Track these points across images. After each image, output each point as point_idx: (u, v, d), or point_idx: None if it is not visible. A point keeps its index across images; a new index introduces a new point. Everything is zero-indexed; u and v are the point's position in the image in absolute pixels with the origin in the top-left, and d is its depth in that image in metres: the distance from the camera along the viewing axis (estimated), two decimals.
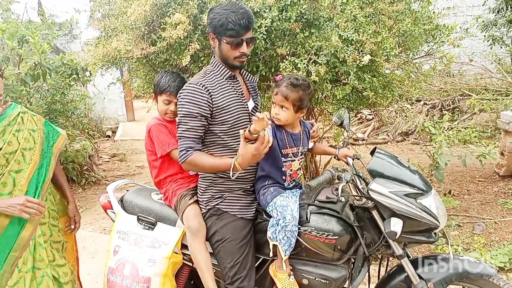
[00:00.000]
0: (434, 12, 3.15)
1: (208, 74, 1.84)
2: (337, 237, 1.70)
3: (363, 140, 7.47)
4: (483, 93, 7.73)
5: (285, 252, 1.68)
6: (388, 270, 1.87)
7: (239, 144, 1.68)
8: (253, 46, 2.49)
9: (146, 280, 1.83)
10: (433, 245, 3.07)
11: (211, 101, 1.76)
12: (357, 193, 1.69)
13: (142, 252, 1.88)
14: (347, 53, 2.53)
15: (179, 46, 2.67)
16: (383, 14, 2.86)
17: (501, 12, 8.46)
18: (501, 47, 9.12)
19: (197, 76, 1.84)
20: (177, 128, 1.79)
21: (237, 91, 1.86)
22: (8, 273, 1.63)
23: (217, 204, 1.84)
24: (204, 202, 1.87)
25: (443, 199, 3.98)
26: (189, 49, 2.56)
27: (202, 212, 1.87)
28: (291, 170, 1.85)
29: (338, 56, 2.57)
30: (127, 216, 2.01)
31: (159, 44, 2.61)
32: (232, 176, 1.64)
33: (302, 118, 1.94)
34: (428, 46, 3.54)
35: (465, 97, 7.98)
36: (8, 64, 4.45)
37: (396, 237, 1.56)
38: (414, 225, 1.61)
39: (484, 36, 9.20)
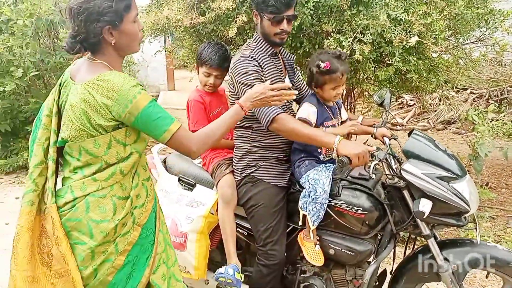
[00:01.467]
0: None
1: (254, 49, 1.91)
2: (366, 212, 1.76)
3: (402, 125, 7.33)
4: None
5: (313, 223, 1.77)
6: (414, 249, 1.92)
7: None
8: (296, 23, 2.52)
9: (184, 235, 1.99)
10: (462, 231, 3.08)
11: (262, 73, 1.85)
12: (390, 172, 1.73)
13: (181, 209, 2.03)
14: (394, 33, 2.51)
15: (227, 17, 2.74)
16: None
17: None
18: None
19: (245, 51, 1.91)
20: (243, 89, 1.81)
21: (277, 68, 1.93)
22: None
23: (252, 172, 1.94)
24: (240, 170, 1.98)
25: (479, 191, 3.91)
26: (236, 21, 2.62)
27: (237, 179, 1.98)
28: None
29: (385, 36, 2.55)
30: (169, 177, 2.16)
31: (207, 14, 2.70)
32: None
33: None
34: (480, 31, 3.41)
35: None
36: (64, 26, 4.68)
37: (424, 217, 1.61)
38: (444, 207, 1.64)
39: None
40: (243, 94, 1.67)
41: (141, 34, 1.48)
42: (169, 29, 3.42)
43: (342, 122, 2.03)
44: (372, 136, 1.98)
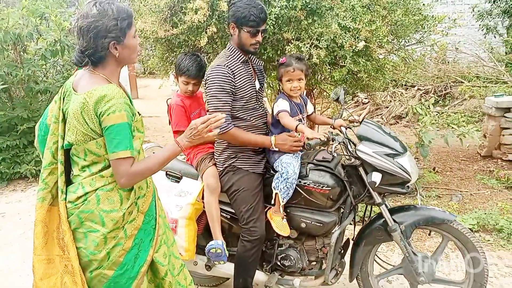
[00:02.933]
0: (423, 4, 3.51)
1: (228, 57, 2.19)
2: (330, 188, 2.12)
3: (358, 122, 7.87)
4: (474, 81, 8.10)
5: (283, 200, 2.11)
6: (370, 218, 2.30)
7: (251, 116, 2.16)
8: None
9: (175, 221, 2.25)
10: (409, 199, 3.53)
11: (233, 80, 2.13)
12: (348, 153, 2.10)
13: (171, 199, 2.29)
14: (344, 39, 2.91)
15: (197, 29, 3.02)
16: (378, 5, 3.22)
17: (496, 2, 8.76)
18: (494, 37, 9.46)
19: (220, 59, 2.19)
20: (209, 103, 2.13)
21: (248, 72, 2.24)
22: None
23: (232, 163, 2.25)
24: (221, 161, 2.28)
25: (427, 175, 4.43)
26: (206, 31, 2.92)
27: (220, 169, 2.28)
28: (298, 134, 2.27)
29: (337, 41, 2.94)
30: (157, 173, 2.41)
31: (180, 26, 2.97)
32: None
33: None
34: (420, 34, 3.91)
35: (458, 84, 8.35)
36: (31, 40, 4.77)
37: (375, 186, 1.98)
38: (391, 179, 2.02)
39: (479, 25, 9.54)
40: (208, 103, 2.07)
41: (140, 49, 1.70)
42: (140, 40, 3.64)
43: (309, 115, 2.39)
44: (331, 127, 2.35)
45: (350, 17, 2.95)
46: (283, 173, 2.10)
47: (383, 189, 2.07)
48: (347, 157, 2.14)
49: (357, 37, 2.95)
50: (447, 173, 4.78)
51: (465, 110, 7.45)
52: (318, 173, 2.15)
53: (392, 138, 2.10)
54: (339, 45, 2.98)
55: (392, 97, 8.63)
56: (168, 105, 2.54)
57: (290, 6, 2.85)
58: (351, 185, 2.16)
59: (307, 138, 2.00)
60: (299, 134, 2.15)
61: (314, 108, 4.45)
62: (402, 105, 8.08)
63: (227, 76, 2.11)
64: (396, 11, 3.22)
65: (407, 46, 4.12)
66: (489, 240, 3.18)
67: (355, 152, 2.05)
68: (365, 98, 9.03)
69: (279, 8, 2.79)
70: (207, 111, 2.22)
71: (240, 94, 2.17)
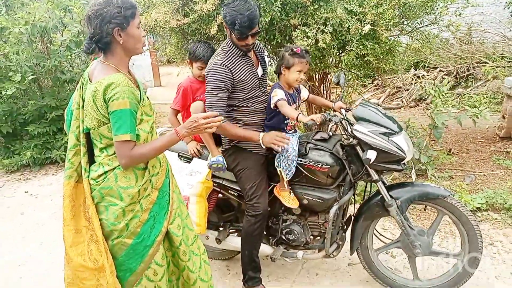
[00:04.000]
0: None
1: (227, 53, 2.27)
2: (329, 167, 2.24)
3: (378, 105, 7.84)
4: (498, 61, 7.88)
5: (286, 176, 2.26)
6: (369, 195, 2.42)
7: (252, 103, 2.29)
8: (267, 18, 2.95)
9: (186, 198, 2.44)
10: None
11: (232, 78, 2.24)
12: (345, 133, 2.21)
13: (182, 178, 2.47)
14: (350, 23, 2.98)
15: (208, 17, 3.17)
16: None
17: None
18: None
19: (219, 56, 2.28)
20: (207, 98, 2.27)
21: (249, 64, 2.34)
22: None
23: (237, 143, 2.40)
24: (227, 141, 2.43)
25: (442, 156, 4.45)
26: (216, 20, 3.05)
27: (225, 148, 2.44)
28: (293, 122, 2.39)
29: (343, 26, 3.02)
30: (169, 153, 2.60)
31: (191, 16, 3.12)
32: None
33: None
34: (434, 15, 3.89)
35: (481, 65, 8.15)
36: (56, 32, 5.03)
37: (370, 163, 2.10)
38: (386, 156, 2.13)
39: (506, 2, 9.19)
40: (206, 97, 2.20)
41: (144, 40, 1.83)
42: (156, 29, 3.82)
43: (307, 99, 2.51)
44: (331, 109, 2.46)
45: (356, 1, 3.01)
46: (284, 151, 2.24)
47: (380, 167, 2.18)
48: (346, 137, 2.25)
49: (363, 21, 3.01)
50: (463, 154, 4.77)
51: (487, 92, 7.29)
52: (318, 153, 2.28)
53: (388, 118, 2.20)
54: (346, 29, 3.05)
55: (413, 79, 8.52)
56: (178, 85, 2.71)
57: None
58: (350, 164, 2.28)
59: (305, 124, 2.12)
60: (292, 123, 2.27)
61: (330, 95, 4.55)
62: (422, 88, 7.97)
63: (223, 75, 2.22)
64: None
65: (420, 27, 4.10)
66: (496, 219, 3.22)
67: (352, 131, 2.16)
68: (385, 81, 8.95)
69: None
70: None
71: (240, 87, 2.29)
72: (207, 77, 2.27)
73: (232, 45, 2.29)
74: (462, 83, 8.20)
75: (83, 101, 1.80)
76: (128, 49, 1.78)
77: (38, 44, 5.23)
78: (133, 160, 1.73)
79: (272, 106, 2.30)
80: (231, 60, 2.27)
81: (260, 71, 2.41)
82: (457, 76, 8.28)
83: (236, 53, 2.29)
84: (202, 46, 2.57)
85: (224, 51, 2.30)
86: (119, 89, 1.66)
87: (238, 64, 2.29)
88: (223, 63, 2.24)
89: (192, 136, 2.51)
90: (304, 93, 2.51)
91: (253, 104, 2.36)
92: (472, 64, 8.24)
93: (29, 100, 5.29)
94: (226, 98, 2.27)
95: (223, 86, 2.23)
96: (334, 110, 2.44)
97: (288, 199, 2.29)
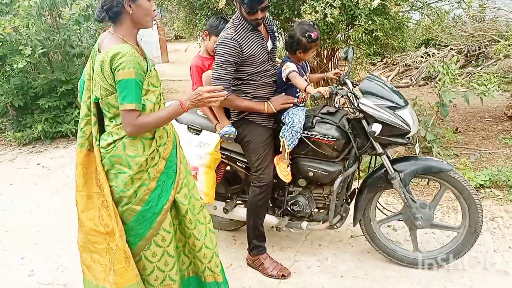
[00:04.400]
0: None
1: (237, 27, 2.29)
2: (335, 139, 2.29)
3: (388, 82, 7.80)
4: (511, 40, 7.73)
5: (288, 147, 2.32)
6: (373, 168, 2.47)
7: (261, 79, 2.34)
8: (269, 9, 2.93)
9: (195, 169, 2.51)
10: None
11: (241, 52, 2.27)
12: (351, 106, 2.25)
13: (191, 150, 2.54)
14: None
15: None
16: None
17: None
18: None
19: (229, 30, 2.30)
20: (215, 70, 2.31)
21: (259, 38, 2.37)
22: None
23: (246, 115, 2.45)
24: (236, 113, 2.48)
25: (448, 135, 4.46)
26: None
27: (234, 120, 2.49)
28: (304, 94, 2.43)
29: (352, 0, 3.00)
30: (179, 126, 2.66)
31: None
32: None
33: None
34: None
35: (493, 43, 8.00)
36: (65, 5, 5.04)
37: (375, 135, 2.14)
38: (391, 130, 2.17)
39: None
40: (213, 69, 2.24)
41: (154, 14, 1.84)
42: (164, 3, 3.82)
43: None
44: (338, 81, 2.49)
45: None
46: (289, 122, 2.29)
47: (384, 140, 2.22)
48: (352, 111, 2.29)
49: None
50: (470, 133, 4.78)
51: (498, 70, 7.20)
52: (324, 126, 2.33)
53: (394, 92, 2.23)
54: (355, 4, 3.03)
55: (423, 57, 8.42)
56: (190, 66, 2.74)
57: None
58: (355, 137, 2.33)
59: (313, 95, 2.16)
60: (303, 95, 2.32)
61: (329, 70, 4.54)
62: (432, 66, 7.89)
63: (232, 49, 2.25)
64: None
65: (431, 3, 4.05)
66: (499, 196, 3.27)
67: (358, 105, 2.20)
68: (395, 59, 8.86)
69: None
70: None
71: (249, 61, 2.32)
72: (216, 49, 2.30)
73: (242, 19, 2.30)
74: (473, 62, 8.09)
75: (94, 71, 1.84)
76: (137, 21, 1.80)
77: (47, 18, 5.25)
78: (138, 129, 1.77)
79: (284, 78, 2.35)
80: (241, 34, 2.30)
81: (270, 44, 2.43)
82: (468, 54, 8.17)
83: (246, 27, 2.31)
84: (223, 22, 2.58)
85: (235, 25, 2.32)
86: (125, 59, 1.69)
87: (248, 38, 2.31)
88: (233, 37, 2.27)
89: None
90: (307, 68, 2.55)
91: (262, 78, 2.40)
92: (484, 42, 8.10)
93: (39, 74, 5.36)
94: (234, 73, 2.31)
95: (231, 60, 2.26)
96: (340, 84, 2.46)
97: (284, 172, 2.35)
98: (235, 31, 2.30)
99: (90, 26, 5.74)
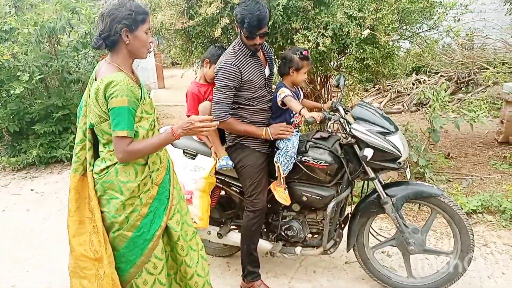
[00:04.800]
0: None
1: (237, 53, 2.36)
2: (328, 164, 2.33)
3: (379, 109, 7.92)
4: (499, 67, 7.95)
5: (284, 172, 2.36)
6: (366, 193, 2.50)
7: (258, 102, 2.39)
8: (270, 22, 3.03)
9: (190, 193, 2.53)
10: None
11: (240, 77, 2.34)
12: (343, 131, 2.30)
13: (187, 174, 2.56)
14: (350, 27, 3.07)
15: (212, 20, 3.26)
16: None
17: None
18: None
19: (229, 55, 2.37)
20: (215, 95, 2.37)
21: (257, 64, 2.44)
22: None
23: (240, 140, 2.49)
24: (231, 139, 2.52)
25: (440, 160, 4.52)
26: (220, 23, 3.15)
27: (229, 145, 2.53)
28: (298, 120, 2.49)
29: (343, 30, 3.10)
30: (175, 150, 2.69)
31: (196, 18, 3.22)
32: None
33: None
34: (433, 20, 3.97)
35: (482, 70, 8.22)
36: (64, 33, 5.14)
37: (367, 160, 2.18)
38: (382, 155, 2.21)
39: (507, 9, 9.28)
40: (213, 94, 2.29)
41: (150, 46, 1.90)
42: (161, 31, 3.92)
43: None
44: (330, 108, 2.55)
45: (356, 6, 3.10)
46: (283, 147, 2.34)
47: (376, 165, 2.26)
48: (344, 136, 2.34)
49: (363, 25, 3.10)
50: (461, 158, 4.85)
51: (488, 97, 7.36)
52: (317, 151, 2.37)
53: (385, 118, 2.29)
54: (346, 33, 3.14)
55: (414, 84, 8.60)
56: (186, 92, 2.79)
57: None
58: (348, 162, 2.37)
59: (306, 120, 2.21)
60: (297, 120, 2.38)
61: (329, 97, 4.64)
62: (422, 92, 8.05)
63: (232, 74, 2.32)
64: None
65: (419, 32, 4.19)
66: (491, 221, 3.29)
67: (350, 130, 2.25)
68: (387, 86, 9.04)
69: (287, 0, 2.97)
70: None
71: (247, 86, 2.39)
72: (216, 74, 2.37)
73: (243, 44, 2.38)
74: (463, 88, 8.28)
75: (89, 98, 1.88)
76: (132, 51, 1.86)
77: (46, 45, 5.34)
78: (129, 155, 1.80)
79: (279, 103, 2.41)
80: (241, 59, 2.37)
81: (267, 71, 2.51)
82: (458, 81, 8.36)
83: (245, 53, 2.38)
84: (217, 48, 2.67)
85: (235, 50, 2.38)
86: (119, 87, 1.74)
87: (247, 64, 2.38)
88: (233, 62, 2.33)
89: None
90: (301, 94, 2.61)
91: (259, 104, 2.45)
92: (473, 69, 8.32)
93: (36, 99, 5.40)
94: (232, 97, 2.37)
95: (231, 84, 2.33)
96: (332, 110, 2.52)
97: (282, 196, 2.38)
98: (235, 56, 2.37)
99: (87, 52, 5.83)
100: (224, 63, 2.35)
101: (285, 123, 2.46)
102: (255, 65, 2.42)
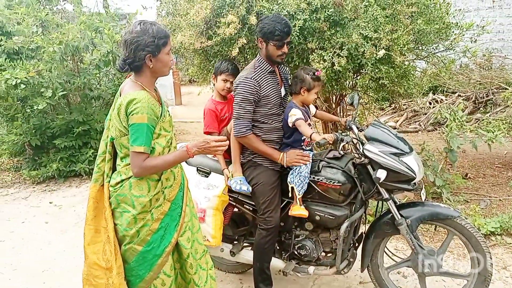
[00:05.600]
0: (447, 13, 3.60)
1: (256, 68, 2.44)
2: (341, 184, 2.33)
3: (395, 128, 7.87)
4: None
5: (299, 192, 2.36)
6: (380, 213, 2.48)
7: (272, 121, 2.43)
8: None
9: (203, 211, 2.56)
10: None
11: (259, 91, 2.40)
12: (356, 152, 2.31)
13: (200, 192, 2.60)
14: (365, 48, 3.10)
15: (230, 40, 3.34)
16: (401, 15, 3.38)
17: None
18: None
19: (249, 70, 2.45)
20: (235, 110, 2.42)
21: (275, 82, 2.51)
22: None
23: (254, 158, 2.52)
24: (245, 156, 2.55)
25: (458, 180, 4.45)
26: (237, 42, 3.23)
27: (243, 162, 2.55)
28: (308, 138, 2.51)
29: (359, 50, 3.14)
30: (189, 168, 2.73)
31: (214, 38, 3.31)
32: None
33: None
34: (449, 41, 3.98)
35: (501, 90, 8.11)
36: (87, 51, 5.33)
37: (380, 181, 2.17)
38: (397, 176, 2.20)
39: None
40: (233, 109, 2.35)
41: (172, 63, 1.99)
42: (180, 51, 4.03)
43: (315, 115, 2.68)
44: (343, 128, 2.56)
45: (372, 27, 3.14)
46: (296, 168, 2.34)
47: (390, 186, 2.25)
48: (357, 156, 2.35)
49: (378, 46, 3.13)
50: (480, 179, 4.76)
51: (507, 117, 7.23)
52: (330, 170, 2.37)
53: (399, 139, 2.28)
54: (361, 53, 3.17)
55: (431, 103, 8.54)
56: (203, 109, 2.86)
57: (314, 18, 3.10)
58: (361, 182, 2.36)
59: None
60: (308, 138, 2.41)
61: (346, 114, 4.65)
62: (440, 113, 7.96)
63: (252, 88, 2.38)
64: (418, 19, 3.36)
65: (436, 52, 4.19)
66: (510, 243, 3.21)
67: (363, 151, 2.26)
68: (404, 105, 8.98)
69: (303, 21, 3.04)
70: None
71: (264, 102, 2.44)
72: (236, 89, 2.43)
73: (263, 61, 2.46)
74: (481, 108, 8.17)
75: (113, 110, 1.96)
76: (155, 72, 1.94)
77: (69, 62, 5.54)
78: (144, 171, 1.86)
79: (290, 124, 2.43)
80: (260, 74, 2.44)
81: (283, 91, 2.56)
82: (476, 101, 8.26)
83: (265, 69, 2.46)
84: (226, 62, 2.80)
85: (255, 66, 2.46)
86: (140, 105, 1.81)
87: (266, 79, 2.45)
88: (252, 76, 2.40)
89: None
90: (312, 109, 2.65)
91: (273, 122, 2.49)
92: (492, 89, 8.22)
93: (57, 115, 5.58)
94: (253, 111, 2.43)
95: (251, 98, 2.39)
96: (346, 129, 2.54)
97: (299, 211, 2.37)
98: (254, 71, 2.44)
99: (109, 70, 6.03)
100: (244, 77, 2.41)
101: (299, 139, 2.48)
102: (273, 82, 2.48)
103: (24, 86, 4.93)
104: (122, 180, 1.93)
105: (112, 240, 1.91)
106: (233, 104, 2.46)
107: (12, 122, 5.65)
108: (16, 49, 5.58)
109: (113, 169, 2.01)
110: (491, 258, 2.21)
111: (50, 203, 4.82)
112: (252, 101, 2.40)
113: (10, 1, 6.34)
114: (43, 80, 5.21)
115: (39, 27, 5.60)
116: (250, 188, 2.49)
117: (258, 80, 2.41)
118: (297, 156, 2.39)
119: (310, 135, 2.26)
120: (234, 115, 2.44)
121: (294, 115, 2.42)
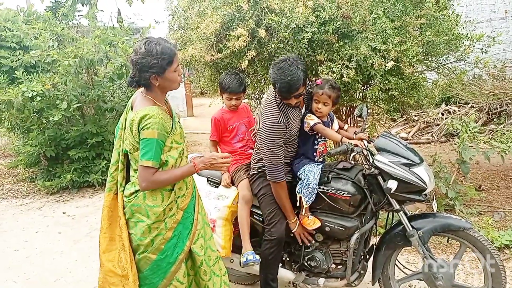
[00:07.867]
0: (456, 24, 3.60)
1: (279, 105, 2.35)
2: (350, 195, 2.32)
3: (407, 139, 7.81)
4: None
5: (306, 202, 2.36)
6: (391, 224, 2.46)
7: (290, 147, 2.44)
8: (294, 54, 3.12)
9: (213, 221, 2.57)
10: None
11: (287, 130, 2.35)
12: (366, 162, 2.31)
13: (210, 202, 2.62)
14: (374, 59, 3.12)
15: (239, 53, 3.40)
16: (410, 26, 3.40)
17: None
18: None
19: (274, 110, 2.35)
20: (266, 154, 2.35)
21: (298, 111, 2.47)
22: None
23: (264, 169, 2.53)
24: (255, 167, 2.57)
25: (471, 192, 4.39)
26: (247, 55, 3.28)
27: (253, 173, 2.57)
28: (322, 148, 2.52)
29: (367, 62, 3.16)
30: (199, 178, 2.76)
31: (224, 51, 3.36)
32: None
33: None
34: (459, 52, 3.97)
35: None
36: (101, 64, 5.45)
37: (391, 192, 2.17)
38: (407, 187, 2.19)
39: None
40: (262, 152, 2.36)
41: (180, 78, 2.01)
42: (191, 63, 4.10)
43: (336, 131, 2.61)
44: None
45: (380, 39, 3.16)
46: (304, 179, 2.35)
47: (401, 197, 2.24)
48: (368, 166, 2.34)
49: (387, 57, 3.14)
50: (493, 191, 4.69)
51: None
52: (340, 181, 2.37)
53: (409, 150, 2.28)
54: (370, 65, 3.19)
55: (443, 114, 8.46)
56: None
57: (322, 30, 3.14)
58: (371, 193, 2.35)
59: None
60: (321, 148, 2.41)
61: (356, 124, 4.65)
62: (454, 123, 7.88)
63: (281, 132, 2.32)
64: (427, 31, 3.37)
65: (446, 64, 4.18)
66: None
67: (373, 161, 2.26)
68: (415, 116, 8.92)
69: (312, 33, 3.07)
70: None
71: (289, 133, 2.41)
72: (263, 131, 2.35)
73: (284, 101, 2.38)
74: (495, 119, 8.06)
75: (125, 127, 2.01)
76: (164, 88, 1.99)
77: (84, 75, 5.67)
78: (152, 185, 1.91)
79: (307, 129, 2.43)
80: (285, 111, 2.36)
81: (303, 109, 2.55)
82: (489, 112, 8.16)
83: (287, 106, 2.38)
84: (229, 78, 2.73)
85: (277, 103, 2.37)
86: (151, 120, 1.86)
87: (290, 115, 2.39)
88: (280, 120, 2.32)
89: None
90: (335, 125, 2.62)
91: (291, 146, 2.48)
92: (505, 100, 8.12)
93: (72, 126, 5.69)
94: (283, 153, 2.38)
95: (280, 142, 2.35)
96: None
97: (309, 222, 2.37)
98: (279, 111, 2.34)
99: (122, 83, 6.14)
100: (271, 122, 2.31)
101: (309, 149, 2.49)
102: (296, 113, 2.45)
103: (40, 98, 5.06)
104: (136, 191, 1.97)
105: (127, 248, 1.96)
106: (265, 148, 2.36)
107: (28, 133, 5.78)
108: (33, 63, 5.74)
109: (127, 178, 2.06)
110: (504, 272, 2.17)
111: (64, 213, 4.89)
112: (282, 143, 2.35)
113: (28, 16, 6.55)
114: (59, 93, 5.33)
115: (55, 41, 5.76)
116: (258, 257, 2.49)
117: (284, 121, 2.33)
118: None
119: (341, 139, 2.29)
120: (267, 162, 2.38)
121: (312, 119, 2.42)
